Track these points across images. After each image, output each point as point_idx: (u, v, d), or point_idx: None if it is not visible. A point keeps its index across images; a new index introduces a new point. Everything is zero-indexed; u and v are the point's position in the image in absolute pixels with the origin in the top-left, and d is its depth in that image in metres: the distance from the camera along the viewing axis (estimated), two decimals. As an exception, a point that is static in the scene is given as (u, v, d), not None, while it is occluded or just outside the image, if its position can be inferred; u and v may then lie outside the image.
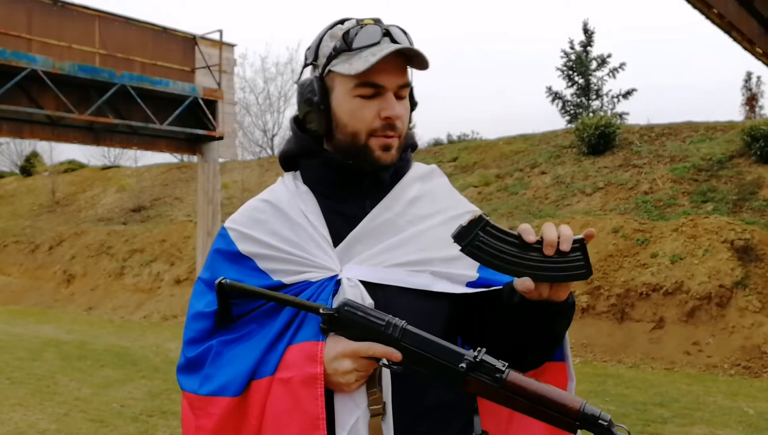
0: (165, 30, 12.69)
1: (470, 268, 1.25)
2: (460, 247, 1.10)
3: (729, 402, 6.58)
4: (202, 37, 13.13)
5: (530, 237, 1.08)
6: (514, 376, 1.06)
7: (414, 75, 1.32)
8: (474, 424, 1.28)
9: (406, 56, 1.20)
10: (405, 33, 1.23)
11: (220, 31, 13.09)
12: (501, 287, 1.22)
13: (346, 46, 1.19)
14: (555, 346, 1.25)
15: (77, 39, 11.34)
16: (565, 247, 1.08)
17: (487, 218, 1.09)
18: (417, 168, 1.34)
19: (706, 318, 8.74)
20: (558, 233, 1.09)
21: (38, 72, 10.33)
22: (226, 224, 1.30)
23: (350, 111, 1.21)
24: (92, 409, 6.24)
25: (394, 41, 1.20)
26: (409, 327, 1.11)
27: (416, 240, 1.24)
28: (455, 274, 1.23)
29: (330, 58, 1.21)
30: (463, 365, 1.06)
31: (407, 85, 1.23)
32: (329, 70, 1.22)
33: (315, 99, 1.23)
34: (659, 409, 6.29)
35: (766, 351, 8.07)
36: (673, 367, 8.27)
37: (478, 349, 1.08)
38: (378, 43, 1.18)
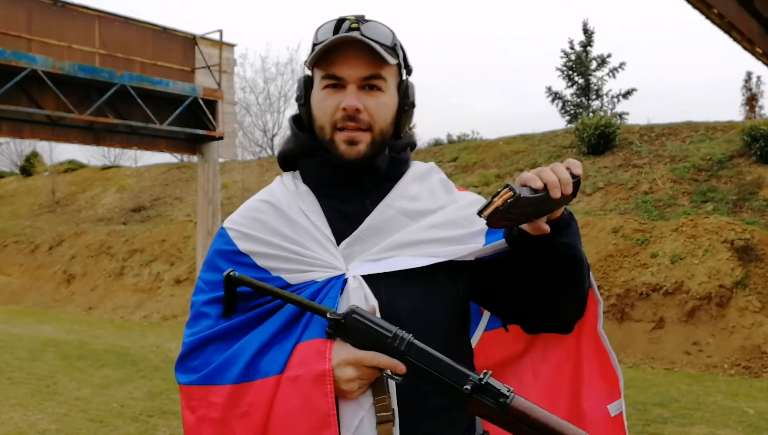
0: (165, 30, 12.68)
1: (477, 239, 1.26)
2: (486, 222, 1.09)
3: (729, 402, 6.58)
4: (202, 37, 13.13)
5: (537, 183, 1.08)
6: (518, 402, 1.05)
7: (414, 75, 1.32)
8: (476, 425, 1.28)
9: (374, 49, 1.18)
10: (390, 31, 1.23)
11: (220, 31, 13.10)
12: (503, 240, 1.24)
13: (315, 40, 1.22)
14: (577, 273, 1.22)
15: (77, 39, 11.34)
16: (568, 190, 1.09)
17: (518, 193, 1.06)
18: (416, 166, 1.34)
19: (706, 318, 8.74)
20: (558, 176, 1.09)
21: (38, 72, 10.33)
22: (225, 224, 1.30)
23: (317, 104, 1.24)
24: (92, 409, 6.23)
25: (363, 35, 1.19)
26: (416, 341, 1.10)
27: (420, 234, 1.24)
28: (461, 246, 1.24)
29: (309, 54, 1.24)
30: (467, 387, 1.06)
31: (375, 76, 1.21)
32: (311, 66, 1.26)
33: (297, 94, 1.28)
34: (659, 409, 6.29)
35: (766, 351, 8.07)
36: (673, 367, 8.27)
37: (484, 371, 1.08)
38: (337, 36, 1.19)
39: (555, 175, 1.09)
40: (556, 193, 1.08)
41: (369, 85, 1.21)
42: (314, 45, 1.22)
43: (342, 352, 1.11)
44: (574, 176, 1.11)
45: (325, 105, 1.22)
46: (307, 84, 1.28)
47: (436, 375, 1.08)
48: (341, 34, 1.19)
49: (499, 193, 1.05)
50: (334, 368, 1.10)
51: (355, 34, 1.18)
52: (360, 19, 1.22)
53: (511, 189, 1.05)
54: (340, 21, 1.22)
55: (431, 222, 1.26)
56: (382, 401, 1.12)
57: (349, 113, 1.19)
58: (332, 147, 1.23)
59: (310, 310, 1.15)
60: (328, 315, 1.12)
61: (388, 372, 1.11)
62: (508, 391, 1.05)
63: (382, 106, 1.22)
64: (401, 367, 1.09)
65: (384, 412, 1.12)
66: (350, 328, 1.11)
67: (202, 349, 1.20)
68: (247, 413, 1.12)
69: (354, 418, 1.11)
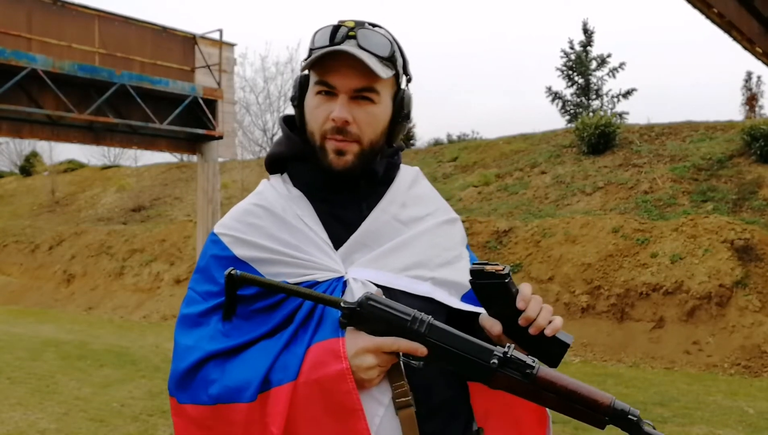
0: (165, 29, 12.68)
1: (466, 274, 1.26)
2: (469, 280, 1.15)
3: (729, 402, 6.58)
4: (202, 37, 13.13)
5: (520, 304, 1.12)
6: (545, 372, 1.06)
7: (414, 76, 1.31)
8: (472, 421, 1.28)
9: (366, 63, 1.17)
10: (388, 40, 1.21)
11: (220, 31, 13.10)
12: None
13: (311, 45, 1.21)
14: None
15: (77, 38, 11.34)
16: (533, 331, 1.12)
17: (509, 279, 1.12)
18: (404, 170, 1.35)
19: (706, 318, 8.74)
20: (542, 318, 1.12)
21: (38, 71, 10.33)
22: (216, 230, 1.26)
23: (310, 109, 1.23)
24: (92, 409, 6.23)
25: (359, 45, 1.17)
26: (436, 322, 1.09)
27: (414, 243, 1.26)
28: (453, 281, 1.26)
29: (306, 58, 1.23)
30: (495, 361, 1.06)
31: (366, 89, 1.19)
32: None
33: (292, 95, 1.27)
34: (659, 408, 6.29)
35: (766, 350, 8.07)
36: (673, 367, 8.27)
37: (507, 344, 1.09)
38: (333, 44, 1.17)
39: (540, 313, 1.12)
40: (522, 322, 1.12)
41: (361, 96, 1.19)
42: (311, 50, 1.20)
43: (358, 340, 1.10)
44: (558, 342, 1.13)
45: (317, 113, 1.21)
46: (302, 85, 1.26)
47: (461, 353, 1.08)
48: (336, 43, 1.17)
49: (497, 264, 1.12)
50: (352, 358, 1.09)
51: (349, 45, 1.16)
52: (358, 26, 1.19)
53: (508, 273, 1.11)
54: (337, 27, 1.19)
55: (423, 228, 1.28)
56: (400, 387, 1.12)
57: (337, 125, 1.18)
58: (322, 154, 1.21)
59: (321, 302, 1.13)
60: (342, 304, 1.10)
61: (405, 358, 1.11)
62: (533, 362, 1.06)
63: (372, 118, 1.20)
64: (422, 349, 1.08)
65: (403, 397, 1.12)
66: (366, 316, 1.10)
67: (205, 366, 1.17)
68: (265, 424, 1.09)
69: (376, 413, 1.11)
